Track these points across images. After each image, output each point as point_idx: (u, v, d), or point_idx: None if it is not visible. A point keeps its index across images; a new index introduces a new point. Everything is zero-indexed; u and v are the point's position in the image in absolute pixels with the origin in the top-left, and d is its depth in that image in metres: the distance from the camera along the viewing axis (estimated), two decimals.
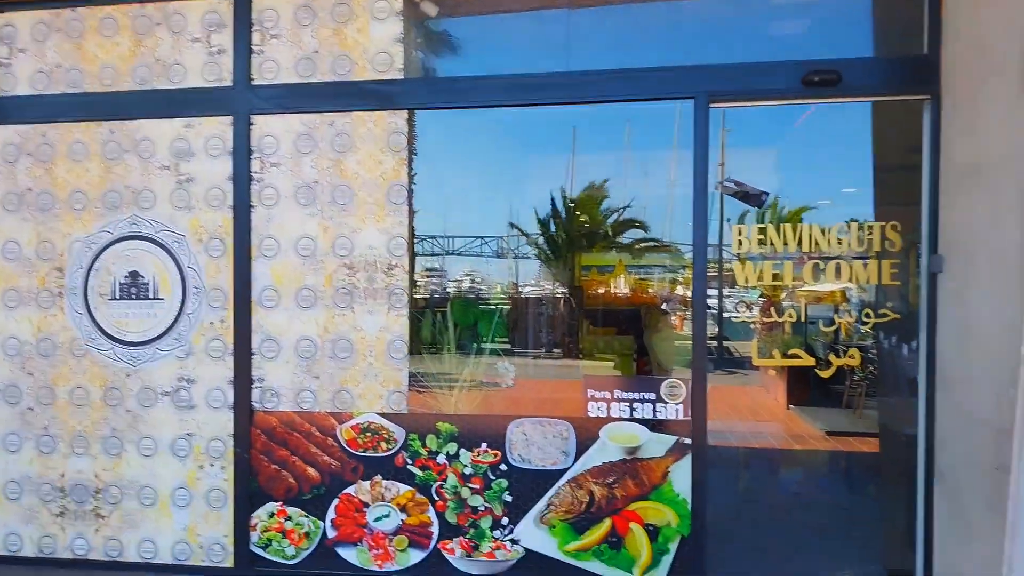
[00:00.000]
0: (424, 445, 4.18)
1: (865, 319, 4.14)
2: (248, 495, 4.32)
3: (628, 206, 14.25)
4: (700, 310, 4.04)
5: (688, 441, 4.00)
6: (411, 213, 4.30)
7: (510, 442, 4.13)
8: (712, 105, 3.97)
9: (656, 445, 4.04)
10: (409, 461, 4.19)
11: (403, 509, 4.19)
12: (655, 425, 4.04)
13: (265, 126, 4.35)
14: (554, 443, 4.12)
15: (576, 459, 4.08)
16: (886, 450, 4.63)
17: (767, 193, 4.77)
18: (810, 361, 4.26)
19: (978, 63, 3.46)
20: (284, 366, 4.32)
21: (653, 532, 4.01)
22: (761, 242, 4.08)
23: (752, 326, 4.82)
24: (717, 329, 12.08)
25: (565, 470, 4.08)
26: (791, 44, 4.27)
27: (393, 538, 4.18)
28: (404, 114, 4.25)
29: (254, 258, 4.34)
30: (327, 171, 4.29)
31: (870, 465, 5.39)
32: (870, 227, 3.99)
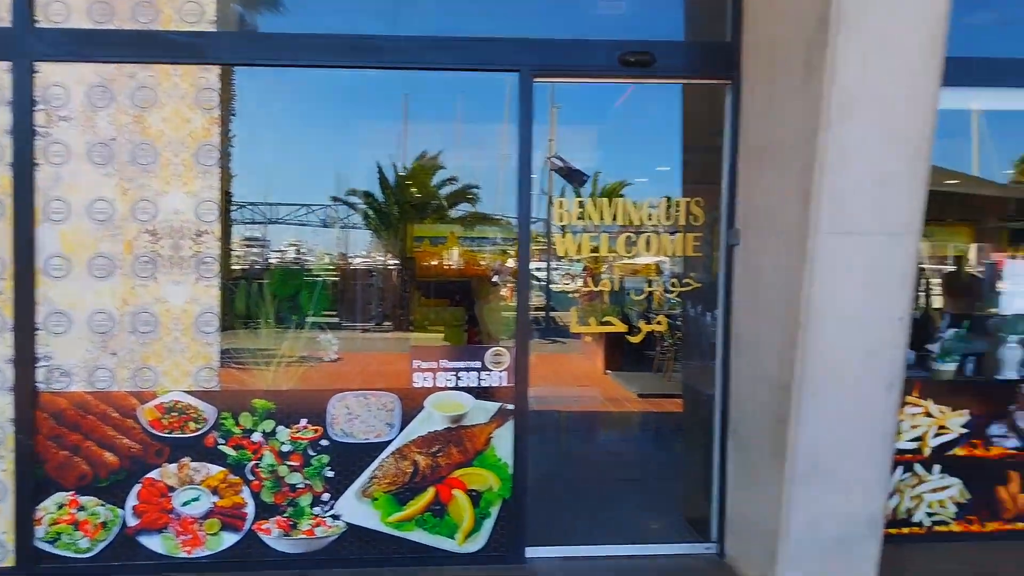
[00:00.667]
0: (238, 423, 3.96)
1: (671, 288, 4.41)
2: (33, 486, 3.89)
3: (455, 178, 14.18)
4: (524, 281, 4.12)
5: (511, 407, 4.10)
6: (227, 177, 4.01)
7: (332, 417, 4.02)
8: (535, 79, 4.02)
9: (480, 412, 4.10)
10: (221, 441, 3.95)
11: (215, 491, 3.96)
12: (480, 393, 4.09)
13: (52, 75, 3.87)
14: (379, 415, 4.06)
15: (401, 430, 4.05)
16: (689, 409, 5.00)
17: (588, 176, 4.92)
18: (622, 328, 4.49)
19: (771, 53, 3.75)
20: (76, 342, 3.91)
21: (476, 497, 4.08)
22: (580, 216, 4.22)
23: (571, 296, 4.98)
24: (544, 300, 12.42)
25: (389, 442, 4.05)
26: (611, 24, 4.41)
27: (204, 522, 3.94)
28: (216, 70, 3.94)
29: (39, 222, 3.87)
30: (127, 128, 3.90)
31: (676, 423, 5.81)
32: (677, 203, 4.24)
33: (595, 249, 4.27)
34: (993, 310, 4.79)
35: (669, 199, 4.26)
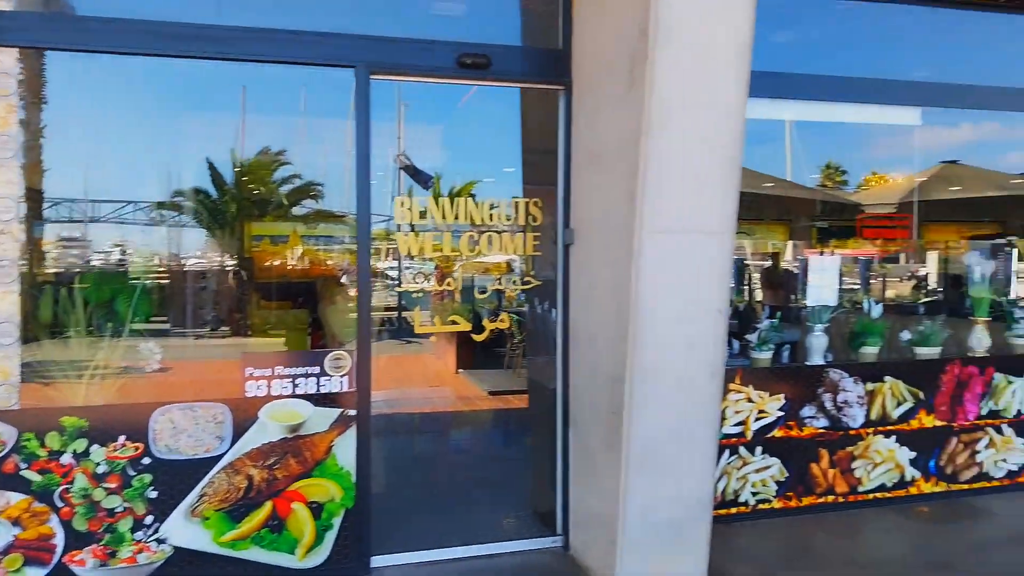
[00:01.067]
0: (43, 445, 3.61)
1: (512, 286, 4.51)
2: None
3: (298, 175, 13.74)
4: (364, 281, 4.06)
5: (353, 413, 4.01)
6: (35, 171, 3.65)
7: (155, 432, 3.76)
8: (373, 77, 3.96)
9: (320, 420, 3.98)
10: (23, 465, 3.59)
11: (16, 522, 3.59)
12: (320, 399, 3.98)
13: None
14: (207, 428, 3.84)
15: (233, 443, 3.85)
16: (534, 404, 5.12)
17: (431, 177, 4.92)
18: (467, 326, 4.53)
19: (598, 61, 3.93)
20: None
21: (317, 509, 3.96)
22: (423, 214, 4.21)
23: (416, 295, 4.97)
24: (396, 300, 12.30)
25: (221, 456, 3.84)
26: (449, 25, 4.44)
27: (2, 558, 3.57)
28: (13, 52, 3.57)
29: None
30: None
31: (524, 419, 5.96)
32: (516, 203, 4.33)
33: (439, 248, 4.28)
34: (805, 302, 5.26)
35: (509, 200, 4.34)
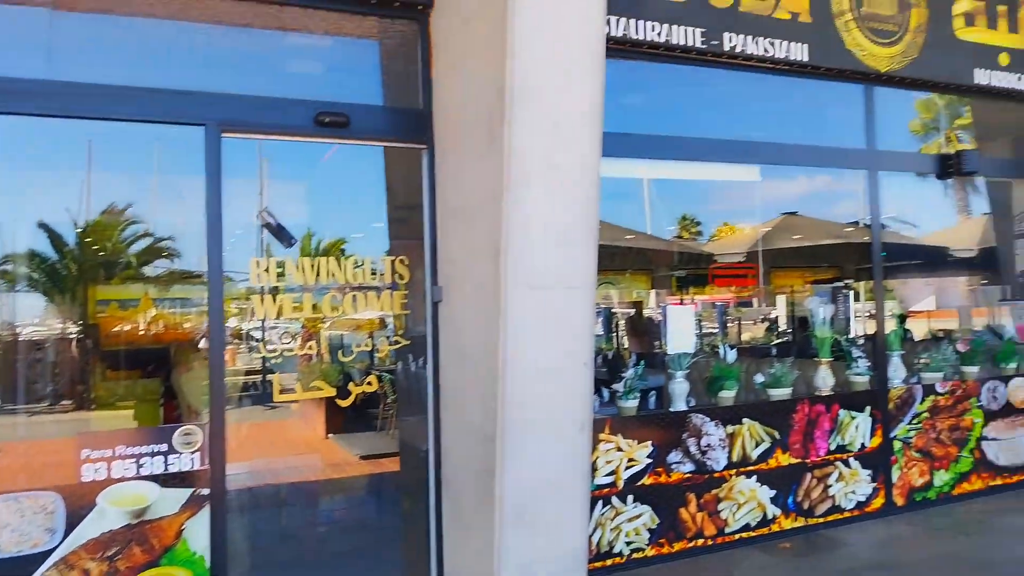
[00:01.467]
0: None
1: (379, 347, 4.42)
2: None
3: (149, 233, 13.06)
4: (216, 346, 3.86)
5: (206, 492, 3.75)
6: None
7: None
8: (225, 135, 3.85)
9: (168, 502, 3.69)
10: None
11: None
12: (168, 480, 3.69)
13: None
14: (35, 521, 3.47)
15: (66, 535, 3.50)
16: (407, 467, 5.00)
17: (295, 240, 4.82)
18: (330, 392, 4.39)
19: (459, 121, 4.02)
20: None
21: None
22: (281, 275, 4.07)
23: (275, 360, 4.78)
24: (261, 363, 11.79)
25: (51, 551, 3.47)
26: (306, 84, 4.41)
27: None
28: None
29: None
30: None
31: (396, 483, 5.79)
32: (382, 261, 4.28)
33: (300, 308, 4.15)
34: (667, 349, 5.47)
35: (375, 258, 4.29)
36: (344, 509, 7.10)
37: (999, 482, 6.15)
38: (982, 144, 7.96)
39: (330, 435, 9.60)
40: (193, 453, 3.76)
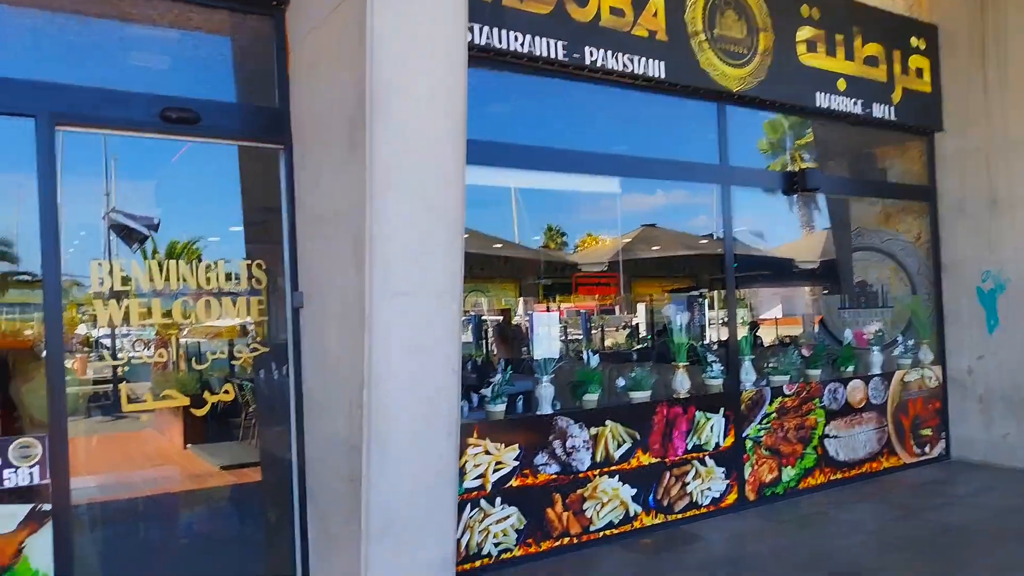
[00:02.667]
0: None
1: (237, 354, 4.28)
2: None
3: None
4: (55, 354, 3.64)
5: (48, 507, 3.53)
6: None
7: None
8: (59, 127, 3.63)
9: (4, 519, 3.47)
10: None
11: None
12: (4, 496, 3.44)
13: None
14: None
15: None
16: (268, 476, 4.87)
17: (153, 222, 4.57)
18: (183, 401, 4.21)
19: (318, 125, 3.96)
20: None
21: None
22: (125, 279, 3.87)
23: (123, 369, 4.54)
24: (111, 372, 11.08)
25: None
26: (151, 78, 4.23)
27: None
28: None
29: None
30: None
31: (259, 493, 5.60)
32: (238, 265, 4.15)
33: (146, 315, 3.95)
34: (534, 354, 5.60)
35: (230, 262, 4.15)
36: (204, 522, 6.77)
37: (839, 476, 6.70)
38: (823, 163, 8.70)
39: (189, 446, 9.16)
40: (32, 467, 3.53)
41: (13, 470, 3.49)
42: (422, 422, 3.68)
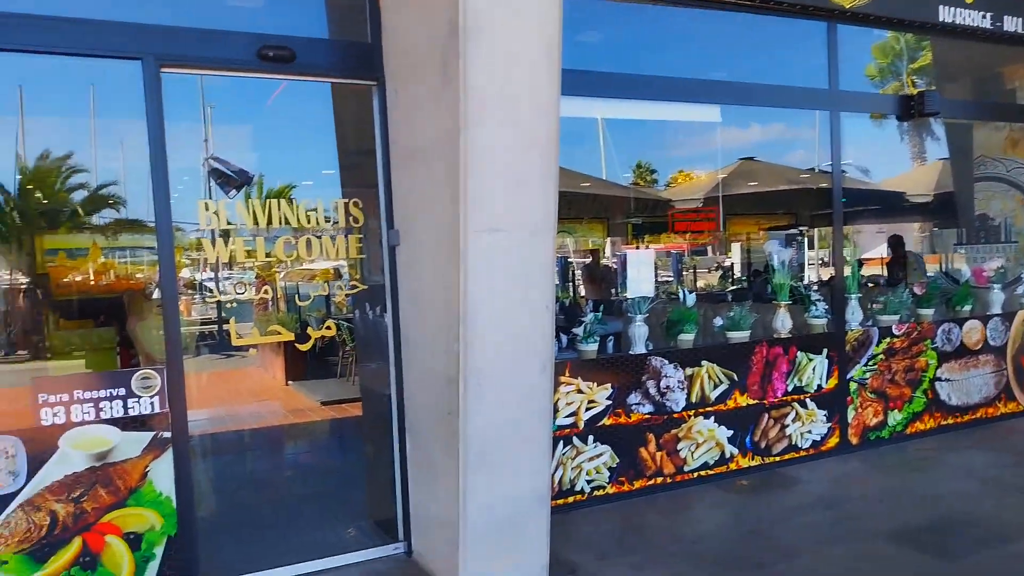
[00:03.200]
0: None
1: (337, 291, 4.43)
2: None
3: (86, 185, 12.77)
4: (169, 293, 3.86)
5: (168, 435, 3.80)
6: None
7: None
8: (164, 70, 3.75)
9: (131, 445, 3.74)
10: None
11: None
12: (129, 423, 3.73)
13: None
14: None
15: (30, 478, 3.53)
16: (369, 412, 5.08)
17: (251, 175, 4.74)
18: (288, 336, 4.41)
19: (410, 56, 3.95)
20: None
21: (135, 540, 3.72)
22: (230, 219, 4.05)
23: (230, 306, 4.78)
24: (216, 312, 11.76)
25: (15, 493, 3.51)
26: (248, 16, 4.28)
27: None
28: None
29: None
30: None
31: (358, 428, 5.88)
32: (336, 204, 4.27)
33: (253, 255, 4.13)
34: (625, 294, 5.58)
35: (328, 202, 4.27)
36: (308, 453, 7.23)
37: (951, 421, 6.46)
38: (940, 87, 8.11)
39: (290, 382, 9.69)
40: (152, 397, 3.79)
41: (136, 399, 3.76)
42: (516, 357, 3.74)
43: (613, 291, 8.72)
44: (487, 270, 3.59)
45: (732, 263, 13.86)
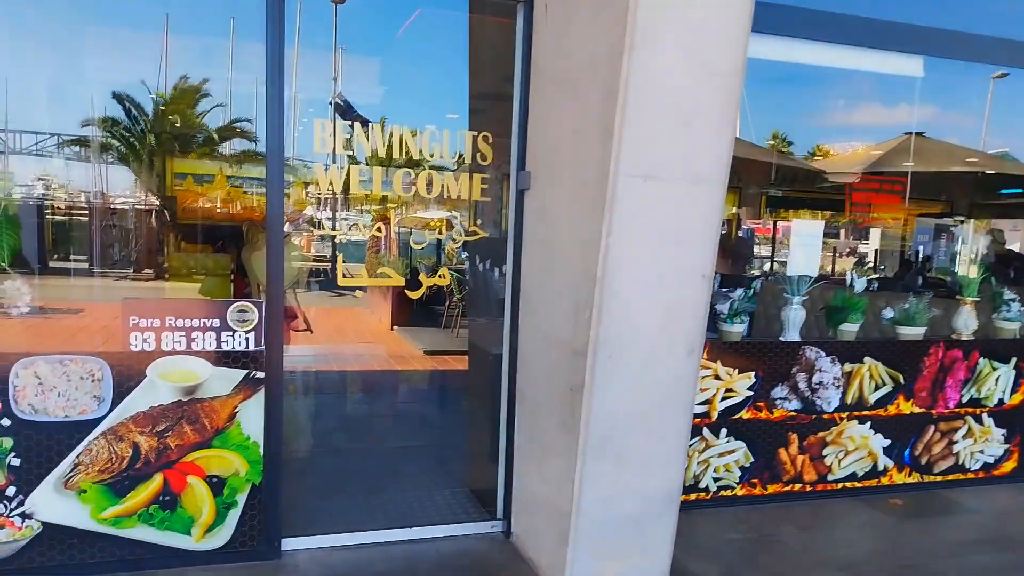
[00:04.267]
0: None
1: (456, 237, 3.93)
2: None
3: (222, 104, 12.85)
4: (276, 224, 3.44)
5: (261, 375, 3.43)
6: None
7: (15, 389, 3.16)
8: None
9: (221, 382, 3.41)
10: None
11: None
12: (221, 358, 3.38)
13: None
14: (83, 386, 3.25)
15: (115, 405, 3.26)
16: (475, 369, 4.62)
17: (369, 122, 4.36)
18: (399, 281, 3.96)
19: None
20: None
21: (218, 484, 3.42)
22: (348, 143, 3.58)
23: (342, 243, 4.39)
24: (331, 250, 11.73)
25: (100, 419, 3.25)
26: None
27: None
28: None
29: None
30: None
31: (462, 384, 5.45)
32: (462, 135, 3.73)
33: (367, 182, 3.67)
34: (755, 272, 4.82)
35: (454, 133, 3.73)
36: (405, 404, 6.86)
37: None
38: None
39: (395, 327, 9.44)
40: (248, 332, 3.42)
41: (231, 333, 3.41)
42: (661, 333, 3.12)
43: (746, 267, 7.91)
44: (635, 225, 2.97)
45: (872, 249, 12.59)
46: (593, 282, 3.00)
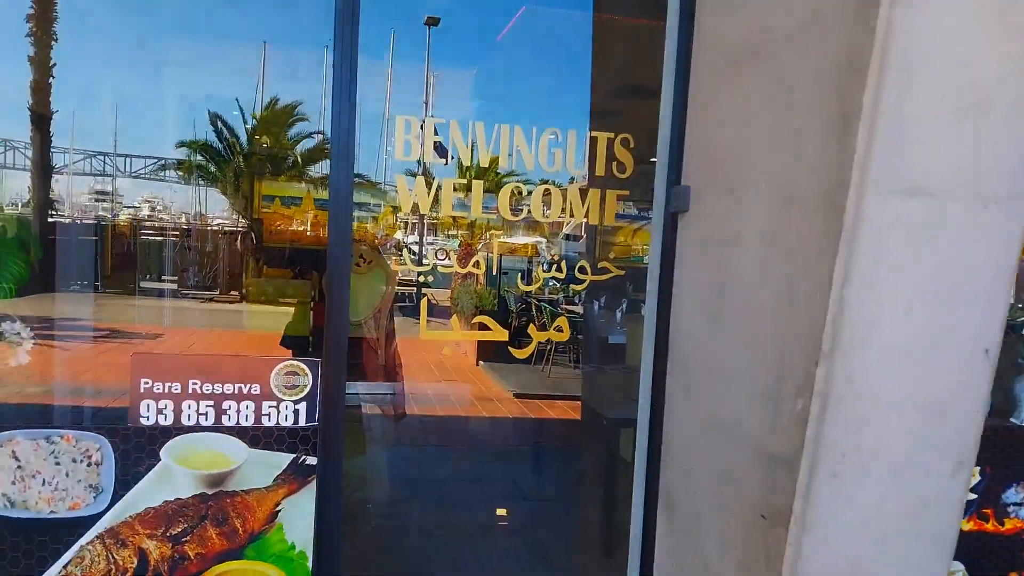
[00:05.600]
0: None
1: (580, 275, 2.78)
2: None
3: (321, 132, 12.36)
4: (341, 252, 2.40)
5: (312, 462, 2.38)
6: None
7: None
8: None
9: (259, 469, 2.38)
10: None
11: None
12: (260, 436, 2.35)
13: None
14: (75, 472, 2.28)
15: (117, 498, 2.29)
16: (589, 435, 3.48)
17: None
18: (502, 335, 2.86)
19: None
20: None
21: None
22: (439, 148, 2.52)
23: (424, 278, 3.35)
24: (416, 276, 10.97)
25: (96, 517, 2.28)
26: None
27: None
28: None
29: None
30: None
31: (561, 440, 4.29)
32: (593, 137, 2.60)
33: (463, 191, 2.61)
34: None
35: (579, 135, 2.62)
36: (498, 462, 5.55)
37: None
38: None
39: (481, 362, 8.36)
40: (298, 402, 2.38)
41: (274, 404, 2.40)
42: (916, 437, 1.90)
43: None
44: (890, 267, 1.77)
45: None
46: (814, 356, 1.81)
